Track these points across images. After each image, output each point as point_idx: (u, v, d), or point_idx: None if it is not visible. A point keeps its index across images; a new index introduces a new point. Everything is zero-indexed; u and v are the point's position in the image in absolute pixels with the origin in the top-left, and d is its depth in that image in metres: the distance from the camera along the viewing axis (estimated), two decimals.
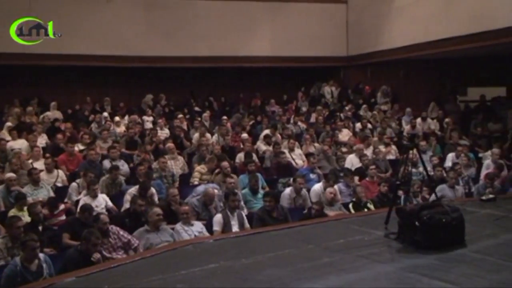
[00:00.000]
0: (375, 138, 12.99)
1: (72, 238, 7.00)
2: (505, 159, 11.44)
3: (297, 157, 11.69)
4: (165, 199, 8.43)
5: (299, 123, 14.80)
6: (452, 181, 9.52)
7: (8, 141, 11.46)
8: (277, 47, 18.63)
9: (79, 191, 8.89)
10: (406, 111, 15.59)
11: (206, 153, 10.94)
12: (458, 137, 12.68)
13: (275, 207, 7.93)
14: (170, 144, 11.17)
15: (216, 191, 8.66)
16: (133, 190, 8.54)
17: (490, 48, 13.34)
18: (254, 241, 6.57)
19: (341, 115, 15.78)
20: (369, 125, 14.44)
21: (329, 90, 18.93)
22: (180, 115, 14.65)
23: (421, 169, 9.63)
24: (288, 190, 9.09)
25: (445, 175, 10.10)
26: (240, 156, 11.30)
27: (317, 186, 9.25)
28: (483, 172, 10.73)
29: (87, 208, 7.30)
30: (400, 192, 8.40)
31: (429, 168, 9.58)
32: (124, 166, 10.38)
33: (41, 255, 5.72)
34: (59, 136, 11.77)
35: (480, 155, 12.25)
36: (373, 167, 10.25)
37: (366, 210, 8.61)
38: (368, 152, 11.75)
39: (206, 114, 15.33)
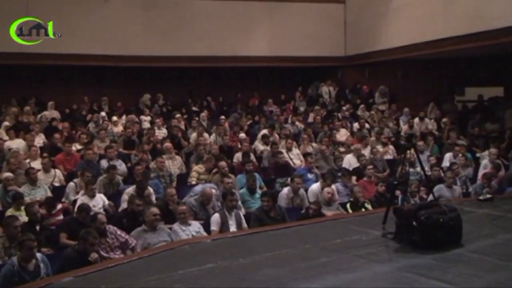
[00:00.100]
0: (373, 138, 13.00)
1: (70, 237, 6.99)
2: (502, 158, 11.46)
3: (295, 157, 11.69)
4: (163, 199, 8.43)
5: (297, 123, 14.81)
6: (449, 181, 9.52)
7: (5, 140, 11.43)
8: (275, 47, 18.63)
9: (76, 190, 8.88)
10: (403, 111, 15.60)
11: (204, 153, 10.94)
12: (456, 137, 12.69)
13: (273, 207, 7.93)
14: (167, 144, 11.16)
15: (213, 191, 8.64)
16: (130, 190, 8.53)
17: (487, 48, 13.36)
18: (251, 241, 6.56)
19: (339, 115, 15.80)
20: (367, 125, 14.44)
21: (327, 90, 18.95)
22: (178, 115, 14.63)
23: (418, 169, 9.65)
24: (285, 190, 9.09)
25: (442, 175, 10.11)
26: (238, 156, 11.30)
27: (315, 186, 9.25)
28: (481, 172, 10.76)
29: (84, 208, 7.30)
30: (398, 192, 8.43)
31: (426, 168, 9.61)
32: (121, 166, 10.37)
33: (38, 255, 5.72)
34: (57, 135, 11.75)
35: (478, 155, 12.25)
36: (370, 167, 10.27)
37: (363, 210, 8.61)
38: (366, 152, 11.77)
39: (204, 114, 15.32)
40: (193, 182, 9.89)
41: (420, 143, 11.88)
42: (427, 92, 17.00)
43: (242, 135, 12.79)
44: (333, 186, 9.16)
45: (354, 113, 16.28)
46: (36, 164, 9.92)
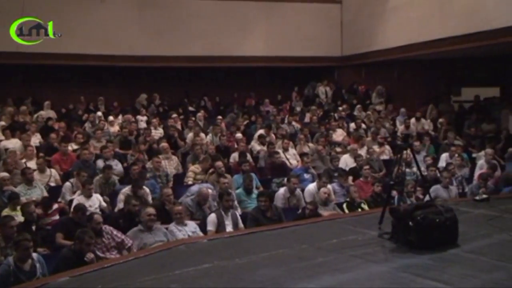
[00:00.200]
0: (369, 138, 13.01)
1: (66, 238, 6.98)
2: (499, 159, 11.49)
3: (291, 157, 11.69)
4: (159, 199, 8.42)
5: (293, 123, 14.81)
6: (446, 181, 9.53)
7: (1, 140, 11.43)
8: (271, 47, 18.63)
9: (72, 190, 8.87)
10: (400, 111, 15.63)
11: (200, 153, 10.92)
12: (454, 137, 12.71)
13: (270, 207, 7.93)
14: (164, 144, 11.16)
15: (210, 191, 8.63)
16: (126, 190, 8.52)
17: (484, 49, 13.38)
18: (248, 241, 6.56)
19: (335, 115, 15.81)
20: (363, 125, 14.46)
21: (323, 90, 18.95)
22: (174, 115, 14.64)
23: (415, 169, 9.64)
24: (282, 190, 9.09)
25: (439, 175, 10.12)
26: (234, 156, 11.30)
27: (311, 186, 9.26)
28: (477, 172, 10.78)
29: (80, 208, 7.29)
30: (394, 192, 8.42)
31: (423, 168, 9.61)
32: (118, 166, 10.37)
33: (34, 255, 5.71)
34: (53, 135, 11.73)
35: (474, 155, 12.29)
36: (367, 167, 10.27)
37: (360, 210, 8.62)
38: (362, 152, 11.78)
39: (200, 114, 15.30)
40: (190, 182, 9.88)
41: (417, 143, 11.90)
42: (424, 92, 17.04)
43: (239, 135, 12.80)
44: (330, 186, 9.18)
45: (350, 113, 16.30)
46: (32, 164, 9.91)
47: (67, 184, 9.02)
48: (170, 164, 10.69)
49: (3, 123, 12.85)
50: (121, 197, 8.39)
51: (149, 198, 8.63)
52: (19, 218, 7.19)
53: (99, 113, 14.75)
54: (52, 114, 14.82)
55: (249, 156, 11.26)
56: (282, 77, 19.98)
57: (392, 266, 5.31)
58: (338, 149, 12.44)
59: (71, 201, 8.41)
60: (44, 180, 9.48)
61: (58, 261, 5.94)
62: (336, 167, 10.82)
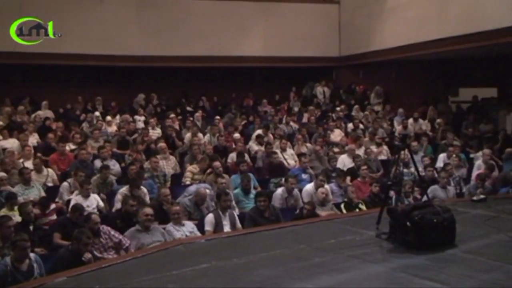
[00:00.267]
0: (367, 139, 13.02)
1: (63, 238, 6.97)
2: (496, 159, 11.50)
3: (289, 157, 11.69)
4: (157, 199, 8.41)
5: (291, 123, 14.82)
6: (443, 182, 9.53)
7: None
8: (269, 47, 18.64)
9: (70, 190, 8.86)
10: (398, 112, 15.64)
11: (198, 153, 10.92)
12: (452, 138, 12.72)
13: (267, 207, 7.93)
14: (162, 144, 11.13)
15: (208, 191, 8.64)
16: (124, 190, 8.51)
17: (481, 49, 13.40)
18: (245, 241, 6.56)
19: (333, 115, 15.82)
20: (361, 126, 14.46)
21: (321, 90, 18.97)
22: (172, 115, 14.62)
23: (412, 169, 9.64)
24: (280, 190, 9.09)
25: (436, 175, 10.13)
26: (232, 156, 11.29)
27: (309, 186, 9.25)
28: (474, 172, 10.80)
29: (78, 208, 7.27)
30: (392, 193, 8.43)
31: (420, 169, 9.62)
32: (115, 166, 10.35)
33: (32, 255, 5.69)
34: (50, 135, 11.72)
35: (471, 155, 12.31)
36: (364, 167, 10.27)
37: (357, 210, 8.63)
38: (360, 152, 11.78)
39: (198, 114, 15.31)
40: (187, 182, 9.88)
41: (414, 143, 11.91)
42: (422, 92, 17.07)
43: (237, 135, 12.79)
44: (327, 186, 9.18)
45: (348, 114, 16.31)
46: (30, 164, 9.89)
47: (65, 184, 9.00)
48: (168, 164, 10.67)
49: (0, 123, 12.84)
50: (118, 197, 8.38)
51: (147, 198, 8.62)
52: (17, 218, 7.17)
53: (97, 113, 14.75)
54: (50, 114, 14.79)
55: (247, 156, 11.26)
56: (280, 77, 20.01)
57: (389, 266, 5.32)
58: (336, 150, 12.45)
59: (68, 201, 8.40)
60: (41, 180, 9.46)
61: (55, 261, 5.93)
62: (334, 167, 10.82)
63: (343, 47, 19.35)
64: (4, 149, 10.63)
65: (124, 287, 4.92)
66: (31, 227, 7.10)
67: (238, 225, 7.72)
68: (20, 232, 5.94)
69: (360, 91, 18.61)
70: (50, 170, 9.86)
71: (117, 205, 8.28)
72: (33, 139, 11.98)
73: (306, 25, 18.74)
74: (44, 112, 14.76)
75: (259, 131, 13.15)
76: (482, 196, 8.42)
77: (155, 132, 13.02)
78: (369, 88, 18.27)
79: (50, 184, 9.56)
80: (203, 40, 17.71)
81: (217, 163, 9.75)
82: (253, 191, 9.05)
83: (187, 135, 12.64)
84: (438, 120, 14.41)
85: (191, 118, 14.52)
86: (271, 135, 13.01)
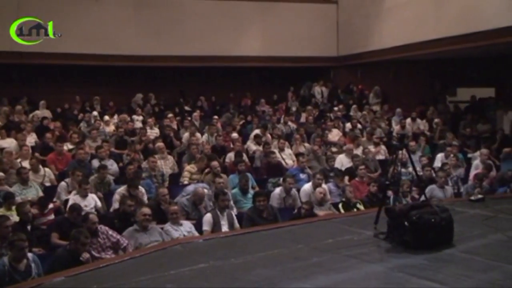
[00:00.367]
0: (364, 138, 13.03)
1: (61, 237, 6.96)
2: (494, 159, 11.52)
3: (287, 157, 11.70)
4: (155, 198, 8.40)
5: (289, 123, 14.82)
6: (441, 181, 9.55)
7: None
8: (267, 47, 18.63)
9: (68, 190, 8.84)
10: (396, 112, 15.64)
11: (196, 153, 10.92)
12: (452, 138, 12.73)
13: (266, 207, 7.93)
14: (160, 144, 11.13)
15: (206, 190, 8.62)
16: (122, 189, 8.50)
17: (479, 49, 13.42)
18: (243, 241, 6.55)
19: (331, 115, 15.83)
20: (359, 125, 14.47)
21: (319, 90, 18.98)
22: (170, 115, 14.62)
23: (410, 169, 9.67)
24: (278, 190, 9.09)
25: (434, 175, 10.15)
26: (230, 156, 11.30)
27: (307, 186, 9.25)
28: (472, 172, 10.82)
29: (76, 208, 7.27)
30: (390, 192, 8.45)
31: (418, 168, 9.63)
32: (113, 166, 10.35)
33: (29, 255, 5.68)
34: (48, 135, 11.71)
35: (469, 155, 12.33)
36: (362, 167, 10.27)
37: (355, 210, 8.62)
38: (358, 152, 11.79)
39: (196, 114, 15.29)
40: (185, 182, 9.87)
41: (412, 143, 11.93)
42: (419, 92, 17.08)
43: (235, 135, 12.79)
44: (325, 186, 9.18)
45: (346, 114, 16.31)
46: (28, 163, 9.87)
47: (63, 183, 8.99)
48: (165, 164, 10.66)
49: None
50: (116, 197, 8.37)
51: (145, 198, 8.61)
52: (14, 218, 7.17)
53: (95, 113, 14.74)
54: (47, 113, 14.79)
55: (245, 156, 11.27)
56: (278, 77, 20.00)
57: (387, 266, 5.32)
58: (334, 149, 12.46)
59: (66, 201, 8.39)
60: (38, 180, 9.44)
61: (53, 261, 5.92)
62: (331, 167, 10.82)
63: (341, 47, 19.34)
64: (2, 149, 10.60)
65: (122, 287, 4.91)
66: (29, 227, 7.07)
67: (236, 225, 7.71)
68: (18, 232, 5.92)
69: (358, 91, 18.61)
70: (47, 169, 9.85)
71: (115, 205, 8.27)
72: (31, 139, 11.97)
73: (304, 25, 18.73)
74: (42, 112, 14.74)
75: (257, 131, 13.15)
76: (480, 196, 8.43)
77: (153, 132, 13.02)
78: (367, 88, 18.27)
79: (47, 184, 9.55)
80: (201, 40, 17.68)
81: (215, 163, 9.75)
82: (251, 191, 9.05)
83: (185, 135, 12.64)
84: (436, 120, 14.43)
85: (189, 118, 14.50)
86: (269, 135, 13.02)
